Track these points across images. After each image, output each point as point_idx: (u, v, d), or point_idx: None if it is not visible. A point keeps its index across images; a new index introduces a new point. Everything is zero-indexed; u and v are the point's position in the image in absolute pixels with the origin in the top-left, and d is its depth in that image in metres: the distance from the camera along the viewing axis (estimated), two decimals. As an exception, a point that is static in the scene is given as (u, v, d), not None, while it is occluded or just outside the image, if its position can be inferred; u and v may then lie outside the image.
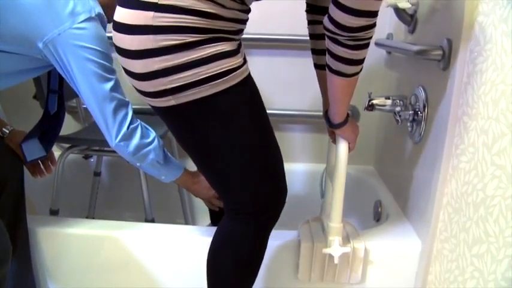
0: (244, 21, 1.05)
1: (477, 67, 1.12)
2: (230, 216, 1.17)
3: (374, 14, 0.92)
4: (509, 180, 0.97)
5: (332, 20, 0.93)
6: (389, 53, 1.94)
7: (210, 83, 0.95)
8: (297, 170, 2.17)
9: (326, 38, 0.99)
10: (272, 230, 1.19)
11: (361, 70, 1.05)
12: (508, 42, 0.99)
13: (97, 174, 2.06)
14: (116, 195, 2.24)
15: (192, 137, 1.05)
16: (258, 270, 1.22)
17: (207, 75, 0.94)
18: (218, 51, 0.95)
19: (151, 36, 0.92)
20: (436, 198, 1.32)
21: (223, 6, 0.94)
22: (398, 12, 1.59)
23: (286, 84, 2.05)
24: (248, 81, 1.04)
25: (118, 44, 0.98)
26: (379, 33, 1.91)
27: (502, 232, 0.99)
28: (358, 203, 1.95)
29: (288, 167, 2.14)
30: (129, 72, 1.00)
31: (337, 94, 1.10)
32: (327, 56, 1.03)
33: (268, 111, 1.98)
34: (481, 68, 1.10)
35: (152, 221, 1.67)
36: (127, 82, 1.04)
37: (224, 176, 1.09)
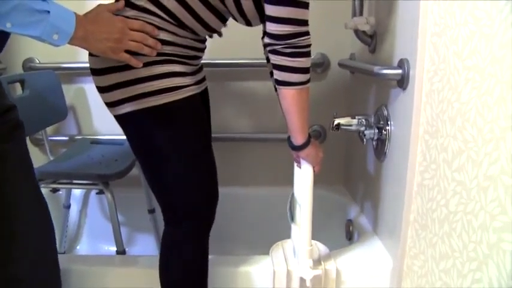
0: (199, 49, 1.21)
1: (434, 86, 1.15)
2: (170, 224, 1.24)
3: (297, 21, 1.04)
4: (469, 196, 0.99)
5: (267, 34, 1.07)
6: (352, 72, 1.97)
7: (158, 95, 1.08)
8: (267, 193, 2.17)
9: (268, 53, 1.10)
10: (209, 233, 1.26)
11: (308, 81, 1.13)
12: (459, 62, 1.02)
13: (66, 207, 2.03)
14: (86, 228, 2.20)
15: (141, 141, 1.17)
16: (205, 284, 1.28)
17: (156, 88, 1.08)
18: (167, 71, 1.09)
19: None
20: (403, 215, 1.33)
21: (176, 34, 1.10)
22: (358, 33, 1.63)
23: (253, 108, 2.07)
24: (193, 99, 1.15)
25: (90, 66, 1.14)
26: (343, 53, 1.95)
27: (466, 247, 1.01)
28: (330, 222, 1.96)
29: (258, 190, 2.17)
30: (97, 88, 1.15)
31: (289, 106, 1.15)
32: (273, 72, 1.12)
33: (235, 135, 1.98)
34: (438, 87, 1.13)
35: (123, 252, 1.64)
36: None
37: (168, 179, 1.18)
